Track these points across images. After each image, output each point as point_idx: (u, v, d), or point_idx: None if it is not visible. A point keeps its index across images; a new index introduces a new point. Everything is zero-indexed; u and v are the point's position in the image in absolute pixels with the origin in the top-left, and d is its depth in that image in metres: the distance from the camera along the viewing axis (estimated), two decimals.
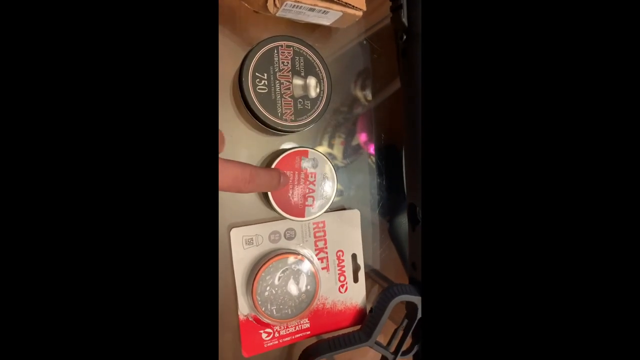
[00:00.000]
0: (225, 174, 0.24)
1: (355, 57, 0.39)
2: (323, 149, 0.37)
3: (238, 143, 0.34)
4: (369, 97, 0.39)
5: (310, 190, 0.34)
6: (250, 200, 0.35)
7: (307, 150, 0.34)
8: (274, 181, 0.31)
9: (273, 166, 0.33)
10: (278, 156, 0.33)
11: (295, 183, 0.34)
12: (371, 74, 0.39)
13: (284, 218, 0.34)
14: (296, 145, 0.35)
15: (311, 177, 0.34)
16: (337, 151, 0.37)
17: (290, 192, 0.33)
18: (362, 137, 0.38)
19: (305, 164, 0.34)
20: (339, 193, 0.38)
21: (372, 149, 0.39)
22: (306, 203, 0.34)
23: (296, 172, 0.34)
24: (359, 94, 0.38)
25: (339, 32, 0.38)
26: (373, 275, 0.42)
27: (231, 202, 0.34)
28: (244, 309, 0.35)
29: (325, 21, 0.33)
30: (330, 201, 0.35)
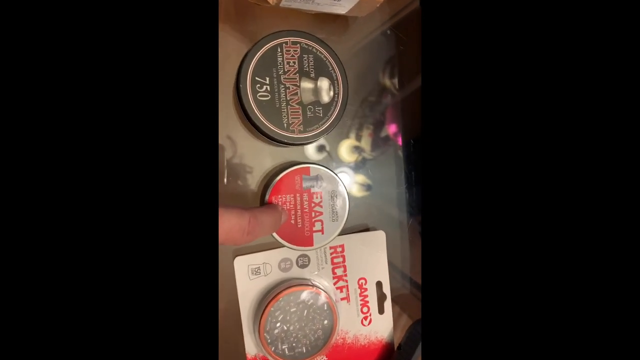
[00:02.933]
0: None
1: (379, 47, 0.33)
2: (350, 141, 0.33)
3: (243, 153, 0.30)
4: (398, 86, 0.33)
5: (317, 214, 0.29)
6: None
7: (308, 167, 0.28)
8: (277, 226, 0.26)
9: (268, 193, 0.27)
10: (272, 181, 0.28)
11: (298, 207, 0.28)
12: (398, 61, 0.33)
13: (290, 249, 0.29)
14: (294, 162, 0.29)
15: (316, 197, 0.29)
16: (365, 143, 0.33)
17: (293, 218, 0.28)
18: (392, 129, 0.34)
19: (308, 184, 0.29)
20: (367, 188, 0.33)
21: (402, 141, 0.35)
22: (314, 229, 0.29)
23: (298, 195, 0.28)
24: (388, 82, 0.33)
25: (358, 21, 0.32)
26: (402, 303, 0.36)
27: None
28: (250, 348, 0.30)
29: (340, 10, 0.28)
30: (343, 223, 0.30)
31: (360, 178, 0.33)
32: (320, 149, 0.31)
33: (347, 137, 0.32)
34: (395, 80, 0.33)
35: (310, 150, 0.31)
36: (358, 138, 0.32)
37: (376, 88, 0.33)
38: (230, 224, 0.21)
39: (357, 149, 0.33)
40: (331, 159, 0.32)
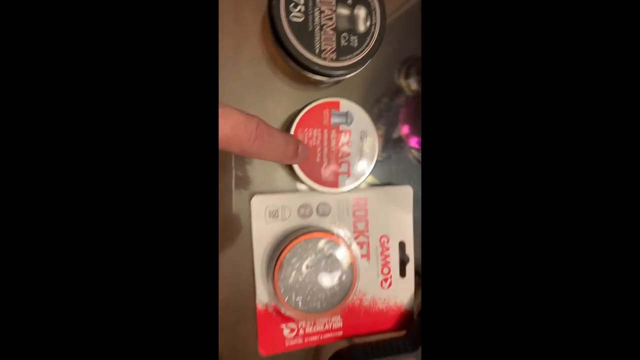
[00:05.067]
0: (221, 121, 0.18)
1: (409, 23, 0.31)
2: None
3: (263, 95, 0.28)
4: (413, 86, 0.32)
5: (345, 154, 0.27)
6: (278, 165, 0.29)
7: (338, 102, 0.27)
8: (289, 149, 0.23)
9: (294, 125, 0.26)
10: (299, 112, 0.26)
11: (325, 145, 0.26)
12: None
13: (312, 190, 0.27)
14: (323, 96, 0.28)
15: (345, 136, 0.27)
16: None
17: (319, 156, 0.26)
18: (404, 130, 0.32)
19: (337, 120, 0.27)
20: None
21: (414, 142, 0.33)
22: (340, 170, 0.27)
23: (325, 131, 0.27)
24: (403, 82, 0.32)
25: None
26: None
27: (256, 166, 0.28)
28: (263, 296, 0.28)
29: None
30: (372, 166, 0.28)
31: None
32: None
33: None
34: (411, 80, 0.31)
35: None
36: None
37: (392, 86, 0.31)
38: (235, 121, 0.19)
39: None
40: None
